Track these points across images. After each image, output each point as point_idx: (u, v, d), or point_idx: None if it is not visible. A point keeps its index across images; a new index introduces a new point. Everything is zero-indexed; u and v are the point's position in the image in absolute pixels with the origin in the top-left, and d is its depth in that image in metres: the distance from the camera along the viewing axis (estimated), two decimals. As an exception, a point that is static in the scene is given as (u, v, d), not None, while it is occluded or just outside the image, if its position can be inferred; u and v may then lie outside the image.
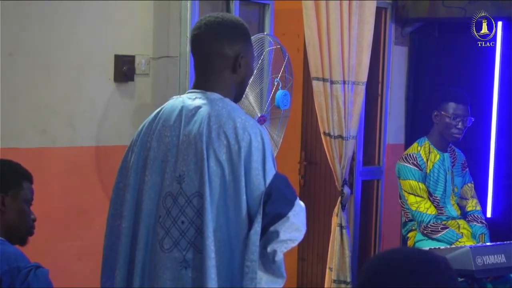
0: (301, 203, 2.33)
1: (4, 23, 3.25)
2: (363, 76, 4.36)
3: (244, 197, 2.22)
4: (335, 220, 4.38)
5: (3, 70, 3.26)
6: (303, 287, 5.25)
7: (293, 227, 2.25)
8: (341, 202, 4.38)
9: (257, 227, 2.21)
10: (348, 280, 4.35)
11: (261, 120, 3.47)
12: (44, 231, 3.08)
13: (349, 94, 4.26)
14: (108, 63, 3.64)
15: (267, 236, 2.24)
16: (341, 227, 4.35)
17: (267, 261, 2.25)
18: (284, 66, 3.52)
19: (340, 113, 4.23)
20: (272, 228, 2.23)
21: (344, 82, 4.23)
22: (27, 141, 3.38)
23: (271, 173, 2.27)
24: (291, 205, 2.26)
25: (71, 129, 3.53)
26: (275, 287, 2.27)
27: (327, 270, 4.44)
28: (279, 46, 3.50)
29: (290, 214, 2.24)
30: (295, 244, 2.30)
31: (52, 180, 3.46)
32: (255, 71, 3.40)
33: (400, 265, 1.41)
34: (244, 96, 3.37)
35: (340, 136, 4.27)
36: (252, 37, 2.52)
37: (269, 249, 2.23)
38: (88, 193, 3.59)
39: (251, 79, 3.26)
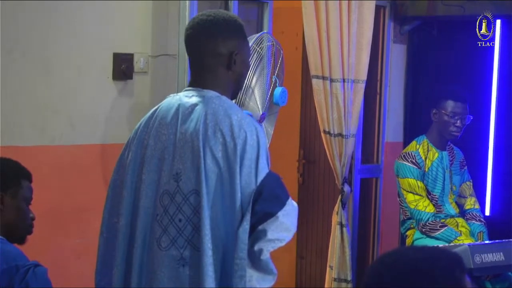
0: (294, 203, 2.32)
1: (4, 22, 3.25)
2: (363, 74, 4.35)
3: (239, 195, 2.22)
4: (335, 219, 4.38)
5: (2, 69, 3.26)
6: (302, 286, 5.25)
7: (282, 227, 2.24)
8: (341, 201, 4.38)
9: (246, 225, 2.21)
10: (349, 278, 4.35)
11: (262, 118, 3.46)
12: (43, 229, 3.08)
13: (348, 92, 4.26)
14: (107, 62, 3.64)
15: (255, 234, 2.23)
16: (341, 225, 4.35)
17: (255, 259, 2.24)
18: (280, 63, 3.52)
19: (339, 111, 4.23)
20: (260, 227, 2.22)
21: (343, 80, 4.23)
22: (26, 139, 3.38)
23: (263, 171, 2.26)
24: (281, 204, 2.25)
25: (70, 127, 3.53)
26: (266, 286, 2.27)
27: (328, 268, 4.44)
28: (273, 43, 3.50)
29: (280, 213, 2.23)
30: (283, 244, 2.28)
31: (51, 178, 3.46)
32: (258, 70, 3.39)
33: (407, 267, 1.38)
34: (252, 98, 3.36)
35: (340, 134, 4.27)
36: (249, 37, 2.51)
37: (256, 248, 2.23)
38: (87, 191, 3.60)
39: (247, 75, 3.24)
